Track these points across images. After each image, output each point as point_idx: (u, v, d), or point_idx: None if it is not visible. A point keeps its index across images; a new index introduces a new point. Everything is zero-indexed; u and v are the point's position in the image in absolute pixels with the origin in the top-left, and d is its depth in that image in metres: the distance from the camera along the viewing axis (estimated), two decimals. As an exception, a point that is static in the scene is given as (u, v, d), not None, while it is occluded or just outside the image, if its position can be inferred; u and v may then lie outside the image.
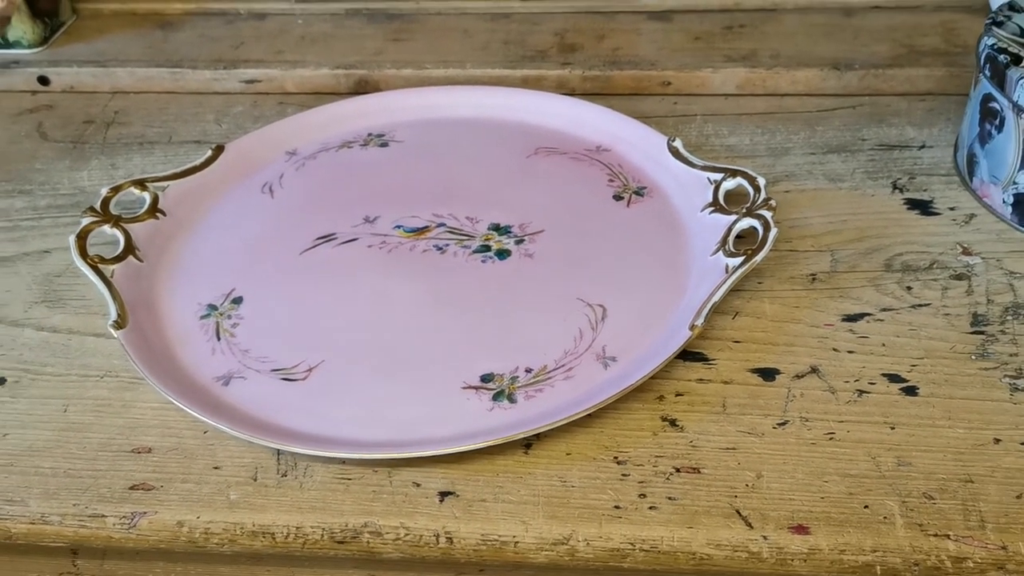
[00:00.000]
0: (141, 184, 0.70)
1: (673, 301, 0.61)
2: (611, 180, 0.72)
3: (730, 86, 0.82)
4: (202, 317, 0.62)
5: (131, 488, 0.52)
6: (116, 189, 0.69)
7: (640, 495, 0.50)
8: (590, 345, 0.58)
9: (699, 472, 0.51)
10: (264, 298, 0.63)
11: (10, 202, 0.75)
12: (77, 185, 0.77)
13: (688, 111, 0.81)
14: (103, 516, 0.51)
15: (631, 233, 0.67)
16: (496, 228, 0.67)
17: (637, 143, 0.74)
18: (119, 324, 0.59)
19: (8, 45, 0.90)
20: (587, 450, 0.53)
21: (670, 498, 0.50)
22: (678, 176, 0.70)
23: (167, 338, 0.60)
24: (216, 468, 0.53)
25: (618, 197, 0.70)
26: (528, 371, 0.57)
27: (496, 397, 0.55)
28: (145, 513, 0.51)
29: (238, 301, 0.63)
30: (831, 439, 0.52)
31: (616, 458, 0.52)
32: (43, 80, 0.88)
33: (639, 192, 0.70)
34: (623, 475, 0.51)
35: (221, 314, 0.62)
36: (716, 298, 0.58)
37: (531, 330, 0.59)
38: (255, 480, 0.52)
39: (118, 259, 0.64)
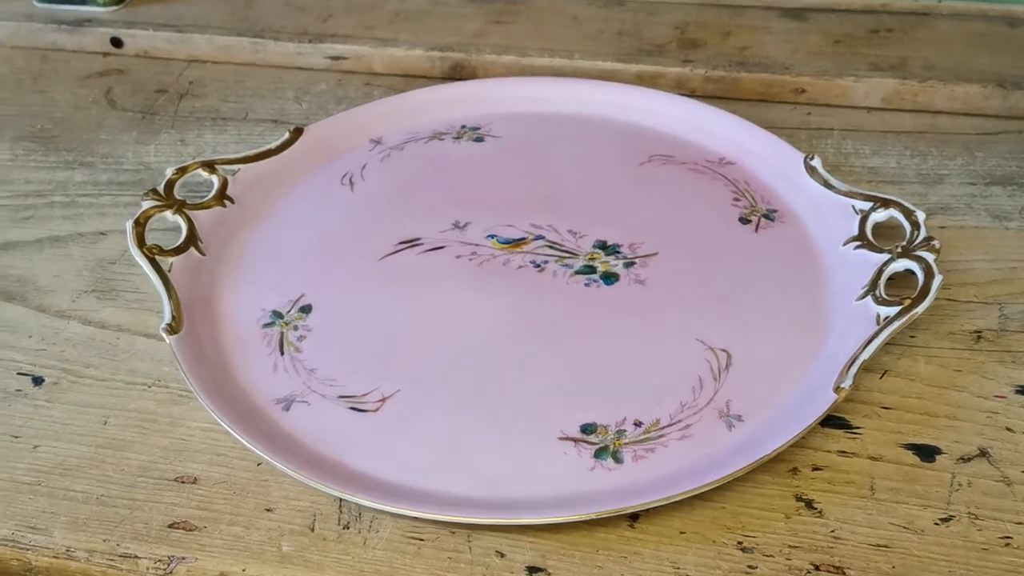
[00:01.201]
0: (210, 166, 0.63)
1: (811, 352, 0.51)
2: (736, 199, 0.62)
3: (875, 98, 0.72)
4: (265, 325, 0.54)
5: (170, 526, 0.45)
6: (182, 170, 0.62)
7: (770, 596, 0.41)
8: (711, 399, 0.49)
9: (843, 573, 0.42)
10: (336, 308, 0.55)
11: (69, 174, 0.68)
12: (142, 160, 0.70)
13: (824, 124, 0.71)
14: (136, 557, 0.44)
15: (760, 263, 0.57)
16: (603, 246, 0.58)
17: (768, 158, 0.65)
18: (172, 328, 0.51)
19: (82, 1, 0.83)
20: (705, 529, 0.44)
21: (807, 604, 0.41)
22: (816, 201, 0.61)
23: (224, 347, 0.53)
24: (268, 510, 0.45)
25: (745, 220, 0.61)
26: (637, 425, 0.48)
27: (599, 454, 0.47)
28: (184, 559, 0.44)
29: (307, 310, 0.55)
30: (1007, 545, 0.43)
31: (740, 544, 0.43)
32: (116, 42, 0.81)
33: (769, 215, 0.61)
34: (749, 567, 0.42)
35: (287, 324, 0.54)
36: (866, 355, 0.49)
37: (641, 374, 0.51)
38: (312, 530, 0.45)
39: (178, 250, 0.57)
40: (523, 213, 0.61)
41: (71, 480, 0.47)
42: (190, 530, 0.45)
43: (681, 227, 0.60)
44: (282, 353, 0.53)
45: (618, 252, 0.58)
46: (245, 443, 0.46)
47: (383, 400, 0.50)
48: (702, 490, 0.43)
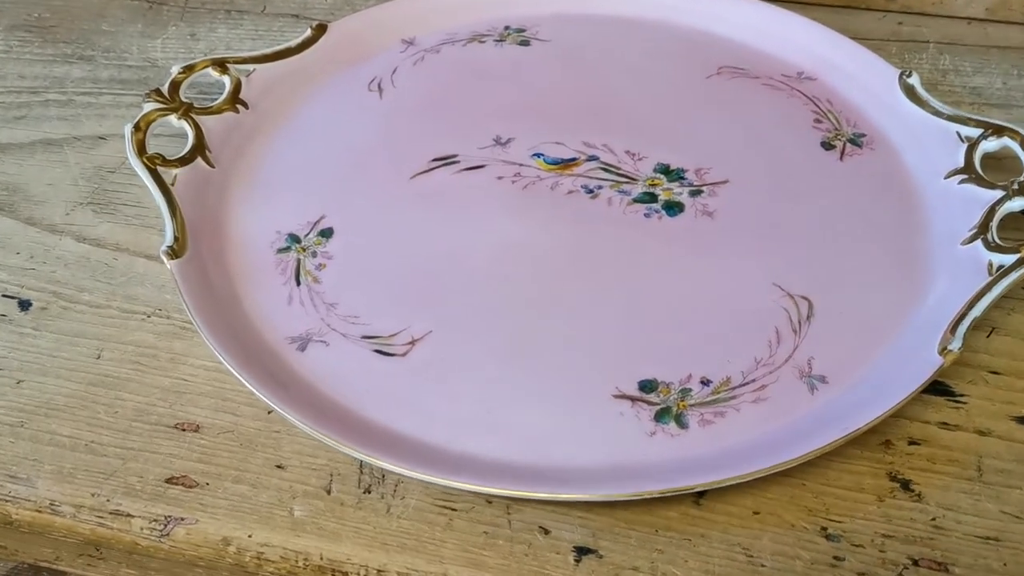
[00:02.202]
0: (221, 65, 0.55)
1: (908, 304, 0.44)
2: (818, 120, 0.54)
3: (978, 7, 0.63)
4: (280, 251, 0.48)
5: (168, 481, 0.39)
6: (190, 68, 0.55)
7: (860, 595, 0.35)
8: (790, 355, 0.43)
9: (947, 571, 0.36)
10: (361, 233, 0.48)
11: (67, 69, 0.61)
12: (148, 56, 0.63)
13: (917, 35, 0.62)
14: (128, 515, 0.39)
15: (847, 197, 0.50)
16: (665, 171, 0.51)
17: (855, 74, 0.56)
18: (174, 251, 0.45)
19: None
20: (783, 510, 0.38)
21: (905, 606, 0.35)
22: (912, 125, 0.53)
23: (233, 274, 0.46)
24: (279, 467, 0.40)
25: (828, 145, 0.53)
26: (705, 383, 0.41)
27: (660, 417, 0.40)
28: (183, 520, 0.38)
29: (327, 234, 0.48)
30: None
31: (825, 530, 0.37)
32: (121, -78, 0.73)
33: (856, 141, 0.53)
34: (836, 559, 0.36)
35: (304, 249, 0.48)
36: (977, 312, 0.42)
37: (709, 323, 0.44)
38: (329, 493, 0.39)
39: (184, 161, 0.50)
40: (574, 130, 0.54)
41: (58, 422, 0.42)
42: (190, 487, 0.39)
43: (754, 151, 0.52)
44: (298, 283, 0.46)
45: (683, 178, 0.51)
46: (253, 388, 0.40)
47: (412, 343, 0.43)
48: (782, 467, 0.37)
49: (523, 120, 0.54)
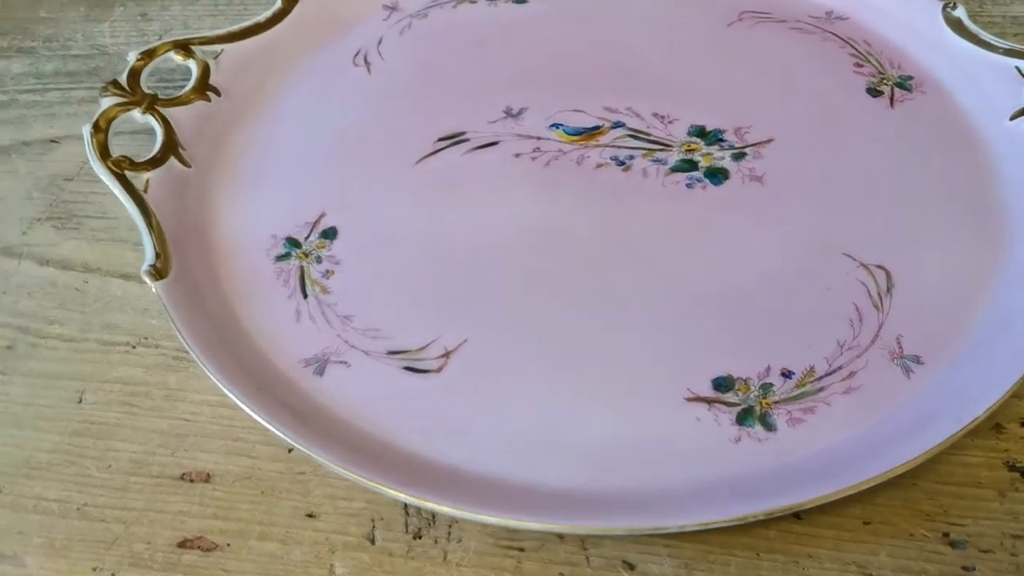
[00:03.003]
0: (185, 47, 0.48)
1: (996, 261, 0.40)
2: (858, 65, 0.49)
3: (1008, -72, 0.57)
4: (279, 258, 0.42)
5: (181, 544, 0.34)
6: (150, 54, 0.48)
7: (1001, 609, 0.31)
8: (876, 334, 0.38)
9: (1093, 573, 0.32)
10: (368, 231, 0.42)
11: (5, 64, 0.54)
12: (95, 43, 0.56)
13: (945, -37, 0.57)
14: (139, 590, 0.33)
15: (905, 148, 0.45)
16: (701, 133, 0.46)
17: (891, 10, 0.51)
18: (158, 271, 0.39)
19: None
20: (897, 518, 0.33)
21: (1054, 619, 0.31)
22: (963, 63, 0.48)
23: (228, 291, 0.40)
24: (311, 516, 0.34)
25: (874, 91, 0.47)
26: (786, 375, 0.36)
27: (743, 419, 0.35)
28: (204, 590, 0.33)
29: (330, 234, 0.42)
30: None
31: (947, 536, 0.33)
32: None
33: (904, 84, 0.48)
34: (965, 568, 0.32)
35: (306, 254, 0.42)
36: (1085, 269, 0.37)
37: (780, 305, 0.39)
38: (372, 543, 0.33)
39: (155, 162, 0.44)
40: (591, 94, 0.48)
41: (42, 484, 0.36)
42: (208, 550, 0.33)
43: (796, 103, 0.47)
44: (305, 295, 0.40)
45: (722, 140, 0.45)
46: (267, 424, 0.34)
47: (447, 355, 0.38)
48: (897, 473, 0.32)
49: (533, 87, 0.48)
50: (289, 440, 0.34)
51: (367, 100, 0.48)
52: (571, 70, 0.49)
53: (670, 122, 0.46)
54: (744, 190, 0.43)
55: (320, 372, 0.37)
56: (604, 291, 0.39)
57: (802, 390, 0.36)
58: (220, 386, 0.35)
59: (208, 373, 0.35)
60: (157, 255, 0.39)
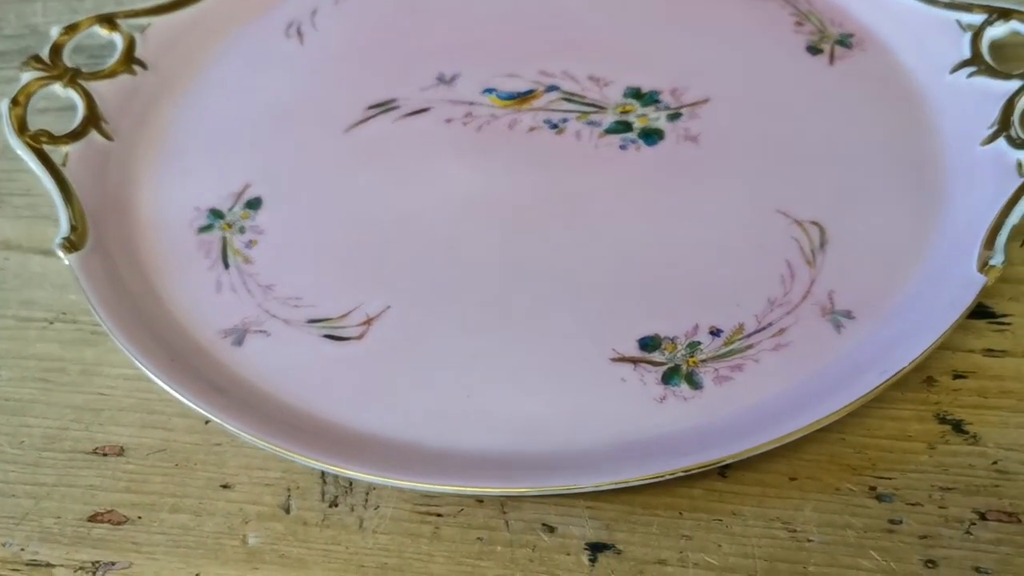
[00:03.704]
0: (109, 21, 0.47)
1: (930, 219, 0.39)
2: (798, 23, 0.48)
3: None
4: (201, 230, 0.41)
5: (92, 518, 0.33)
6: (73, 28, 0.47)
7: (928, 563, 0.30)
8: (808, 291, 0.37)
9: (1020, 522, 0.31)
10: (294, 200, 0.41)
11: (-66, 46, 0.53)
12: (28, 22, 0.54)
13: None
14: (49, 565, 0.32)
15: (843, 106, 0.44)
16: (636, 95, 0.45)
17: (830, -34, 0.50)
18: (72, 243, 0.38)
19: None
20: (823, 473, 0.32)
21: (980, 571, 0.30)
22: (904, 18, 0.47)
23: (147, 264, 0.39)
24: (225, 487, 0.33)
25: (814, 49, 0.47)
26: (715, 334, 0.36)
27: (669, 378, 0.34)
28: (114, 564, 0.32)
29: (255, 204, 0.41)
30: None
31: (874, 489, 0.32)
32: None
33: (844, 42, 0.47)
34: (892, 522, 0.31)
35: (230, 225, 0.41)
36: (1015, 219, 0.36)
37: (710, 263, 0.38)
38: (287, 512, 0.32)
39: (75, 136, 0.43)
40: (526, 58, 0.47)
41: (-49, 462, 0.35)
42: (119, 523, 0.33)
43: (733, 63, 0.46)
44: (226, 266, 0.39)
45: (657, 101, 0.44)
46: (182, 397, 0.33)
47: (368, 322, 0.37)
48: (819, 426, 0.31)
49: (468, 54, 0.47)
50: (202, 411, 0.33)
51: (298, 71, 0.47)
52: (506, 35, 0.48)
53: (605, 85, 0.45)
54: (679, 150, 0.42)
55: (239, 342, 0.36)
56: (531, 255, 0.38)
57: (730, 347, 0.35)
58: (134, 359, 0.34)
59: (121, 346, 0.34)
60: (73, 228, 0.38)
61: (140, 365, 0.34)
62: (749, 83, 0.45)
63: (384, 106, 0.45)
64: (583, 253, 0.38)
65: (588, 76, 0.46)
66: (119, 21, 0.47)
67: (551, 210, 0.40)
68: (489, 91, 0.45)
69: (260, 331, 0.37)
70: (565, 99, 0.45)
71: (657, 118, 0.44)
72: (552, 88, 0.45)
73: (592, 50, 0.47)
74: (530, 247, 0.39)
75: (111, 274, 0.38)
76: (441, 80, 0.46)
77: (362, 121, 0.45)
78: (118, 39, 0.47)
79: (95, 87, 0.45)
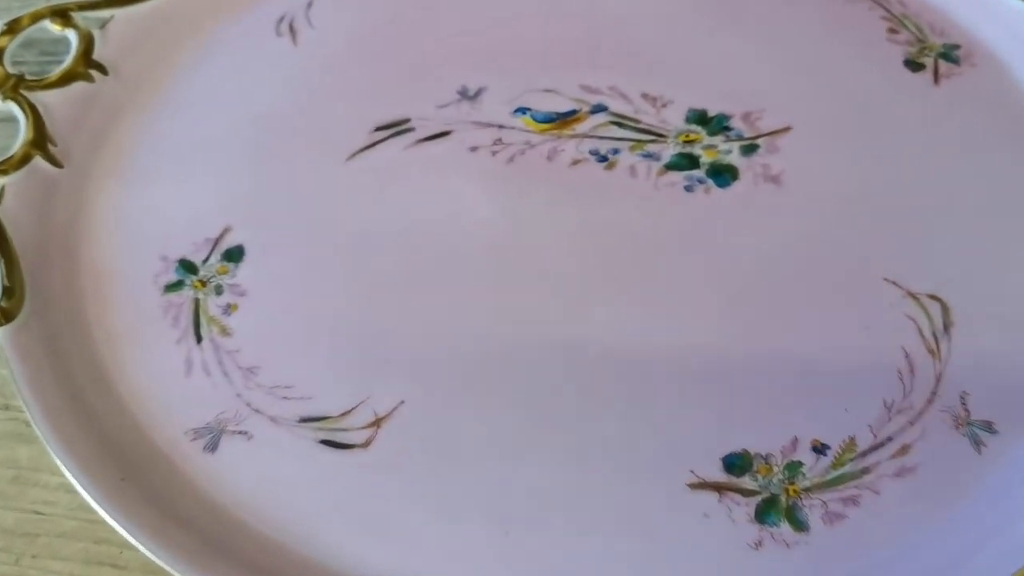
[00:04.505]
0: (63, 15, 0.39)
1: (1081, 292, 0.31)
2: (893, 30, 0.40)
3: None
4: (169, 288, 0.33)
5: None
6: (15, 25, 0.38)
7: None
8: (934, 390, 0.29)
9: None
10: (284, 251, 0.33)
11: None
12: (-31, 10, 0.46)
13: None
14: None
15: (956, 137, 0.36)
16: (701, 119, 0.37)
17: (930, -39, 0.42)
18: (3, 313, 0.30)
19: None
20: (968, 650, 0.25)
21: None
22: (1018, 27, 0.38)
23: (98, 336, 0.32)
24: (193, 654, 0.26)
25: (914, 63, 0.39)
26: (819, 450, 0.28)
27: (764, 514, 0.27)
28: None
29: (235, 255, 0.33)
30: None
31: (1037, 678, 0.24)
32: None
33: (949, 55, 0.39)
34: None
35: (204, 283, 0.33)
36: None
37: (805, 350, 0.30)
38: None
39: (13, 163, 0.35)
40: (566, 70, 0.39)
41: None
42: None
43: (817, 81, 0.38)
44: (199, 339, 0.31)
45: (727, 128, 0.36)
46: (135, 539, 0.25)
47: (377, 423, 0.29)
48: (976, 594, 0.24)
49: (494, 62, 0.39)
50: (163, 562, 0.25)
51: (290, 79, 0.39)
52: (539, 40, 0.40)
53: (663, 105, 0.37)
54: (757, 194, 0.34)
55: (212, 447, 0.29)
56: (581, 335, 0.31)
57: (840, 471, 0.27)
58: (71, 478, 0.26)
59: (54, 456, 0.27)
60: (5, 291, 0.30)
61: (80, 489, 0.26)
62: (837, 107, 0.37)
63: (395, 128, 0.37)
64: (645, 335, 0.30)
65: (641, 94, 0.38)
66: (73, 14, 0.39)
67: (603, 271, 0.32)
68: (522, 111, 0.37)
69: (239, 432, 0.29)
70: (615, 123, 0.37)
71: (728, 151, 0.36)
72: (598, 109, 0.37)
73: (645, 60, 0.39)
74: (579, 324, 0.31)
75: (52, 353, 0.30)
76: (464, 95, 0.38)
77: (368, 147, 0.37)
78: (72, 36, 0.39)
79: (42, 98, 0.36)
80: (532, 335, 0.31)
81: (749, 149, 0.36)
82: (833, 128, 0.36)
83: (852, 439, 0.28)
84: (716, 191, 0.35)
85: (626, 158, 0.36)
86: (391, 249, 0.33)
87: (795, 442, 0.28)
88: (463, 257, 0.33)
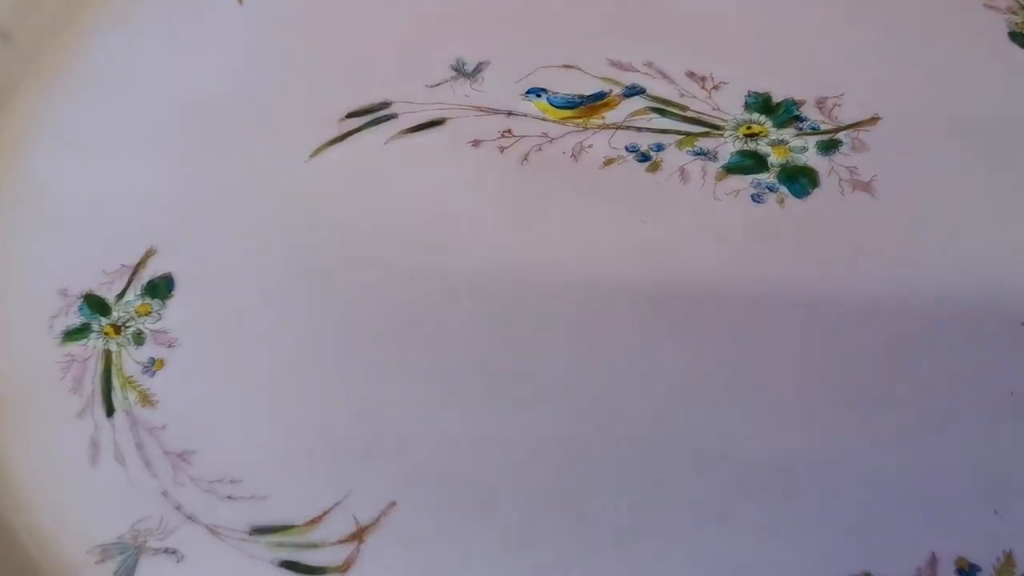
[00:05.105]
0: (-66, -38, 0.30)
1: None
2: (989, -6, 0.32)
3: None
4: (68, 337, 0.25)
5: None
6: None
7: None
8: (1107, 481, 0.22)
9: None
10: (228, 284, 0.25)
11: None
12: None
13: None
14: None
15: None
16: (765, 106, 0.29)
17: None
18: None
19: None
20: None
21: None
22: None
23: (-29, 408, 0.23)
24: None
25: (1020, 36, 0.31)
26: (967, 573, 0.20)
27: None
28: None
29: (161, 290, 0.25)
30: None
31: None
32: None
33: (1062, 25, 0.31)
34: None
35: (118, 328, 0.24)
36: None
37: (933, 434, 0.22)
38: None
39: None
40: (589, 39, 0.31)
41: None
42: None
43: (905, 56, 0.30)
44: (110, 412, 0.23)
45: (799, 118, 0.29)
46: None
47: (359, 535, 0.21)
48: None
49: (499, 27, 0.31)
50: None
51: (233, 49, 0.31)
52: (556, 3, 0.31)
53: (715, 87, 0.29)
54: (846, 206, 0.27)
55: (127, 573, 0.21)
56: (626, 414, 0.23)
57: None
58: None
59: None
60: None
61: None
62: (934, 90, 0.29)
63: (371, 114, 0.29)
64: (718, 418, 0.23)
65: (686, 72, 0.30)
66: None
67: (654, 319, 0.24)
68: (536, 93, 0.29)
69: (165, 550, 0.21)
70: (656, 109, 0.29)
71: (803, 147, 0.28)
72: (633, 91, 0.29)
73: (690, 30, 0.31)
74: (623, 396, 0.23)
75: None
76: (459, 71, 0.30)
77: (336, 140, 0.28)
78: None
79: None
80: (553, 410, 0.23)
81: (829, 146, 0.28)
82: (930, 118, 0.29)
83: (1009, 554, 0.21)
84: (792, 202, 0.27)
85: (673, 156, 0.28)
86: (371, 282, 0.25)
87: (933, 562, 0.20)
88: (462, 293, 0.25)
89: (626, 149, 0.28)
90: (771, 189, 0.27)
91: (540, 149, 0.28)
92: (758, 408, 0.23)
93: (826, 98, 0.29)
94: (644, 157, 0.28)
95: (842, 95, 0.29)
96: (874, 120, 0.29)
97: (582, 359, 0.23)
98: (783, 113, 0.29)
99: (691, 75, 0.30)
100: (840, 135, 0.28)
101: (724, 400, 0.23)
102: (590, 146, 0.28)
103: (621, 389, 0.23)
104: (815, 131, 0.28)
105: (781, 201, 0.27)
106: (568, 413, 0.23)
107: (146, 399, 0.23)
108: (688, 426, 0.22)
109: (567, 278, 0.25)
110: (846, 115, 0.29)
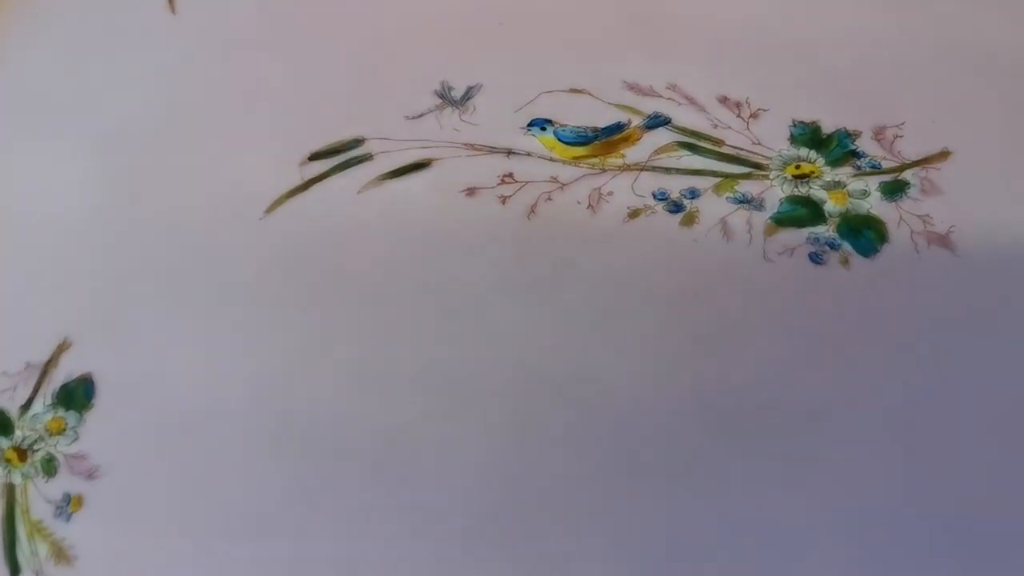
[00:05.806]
0: None
1: None
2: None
3: None
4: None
5: None
6: None
7: None
8: None
9: None
10: (162, 384, 0.20)
11: None
12: None
13: None
14: None
15: None
16: (814, 138, 0.24)
17: None
18: None
19: None
20: None
21: None
22: None
23: None
24: None
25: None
26: None
27: None
28: None
29: (79, 398, 0.20)
30: None
31: None
32: None
33: None
34: None
35: (23, 453, 0.19)
36: None
37: None
38: None
39: None
40: (600, 57, 0.26)
41: None
42: None
43: (972, 79, 0.26)
44: (15, 570, 0.17)
45: (857, 154, 0.24)
46: None
47: None
48: None
49: (490, 44, 0.25)
50: None
51: (167, 72, 0.25)
52: (559, 15, 0.26)
53: (753, 115, 0.24)
54: (922, 268, 0.22)
55: None
56: (664, 548, 0.18)
57: None
58: None
59: None
60: None
61: None
62: (1013, 113, 0.25)
63: (341, 155, 0.23)
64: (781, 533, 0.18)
65: (718, 96, 0.25)
66: None
67: (698, 419, 0.20)
68: (540, 125, 0.24)
69: None
70: (684, 144, 0.24)
71: (864, 191, 0.23)
72: (657, 120, 0.24)
73: (718, 43, 0.26)
74: (663, 518, 0.18)
75: None
76: (445, 97, 0.25)
77: (299, 188, 0.23)
78: None
79: None
80: (584, 542, 0.18)
81: (895, 189, 0.23)
82: (1009, 150, 0.24)
83: None
84: (858, 261, 0.22)
85: (711, 205, 0.23)
86: (332, 381, 0.20)
87: None
88: (461, 393, 0.20)
89: (654, 196, 0.23)
90: (832, 246, 0.22)
91: (550, 198, 0.23)
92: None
93: (884, 128, 0.25)
94: (676, 207, 0.23)
95: (902, 123, 0.25)
96: (944, 155, 0.24)
97: (625, 460, 0.19)
98: (836, 147, 0.24)
99: (723, 100, 0.25)
100: (906, 174, 0.24)
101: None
102: (610, 193, 0.23)
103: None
104: (876, 170, 0.24)
105: (846, 261, 0.22)
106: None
107: (59, 553, 0.18)
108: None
109: (583, 366, 0.20)
110: (910, 149, 0.24)
